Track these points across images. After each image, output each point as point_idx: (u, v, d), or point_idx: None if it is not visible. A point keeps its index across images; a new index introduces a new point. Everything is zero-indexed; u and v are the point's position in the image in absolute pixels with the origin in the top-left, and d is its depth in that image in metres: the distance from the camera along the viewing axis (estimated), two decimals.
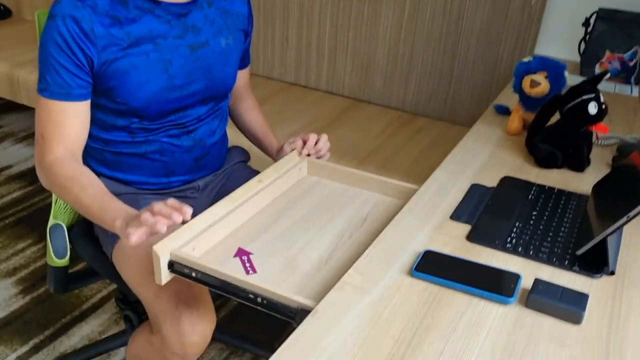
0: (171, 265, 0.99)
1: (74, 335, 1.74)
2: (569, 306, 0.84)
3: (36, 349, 1.68)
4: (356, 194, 1.24)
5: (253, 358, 1.69)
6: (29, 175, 2.51)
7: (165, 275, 0.99)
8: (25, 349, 1.68)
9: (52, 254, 1.34)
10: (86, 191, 1.09)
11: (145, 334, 1.27)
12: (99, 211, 1.06)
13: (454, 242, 1.01)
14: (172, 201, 0.97)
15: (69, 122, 1.15)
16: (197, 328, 1.13)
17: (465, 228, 1.05)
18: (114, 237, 1.23)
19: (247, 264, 1.01)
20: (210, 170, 1.39)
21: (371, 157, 1.93)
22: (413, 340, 0.80)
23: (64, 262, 1.35)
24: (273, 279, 0.98)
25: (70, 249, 1.36)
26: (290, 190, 1.24)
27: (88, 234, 1.37)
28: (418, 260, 0.94)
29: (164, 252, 0.98)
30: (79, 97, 1.15)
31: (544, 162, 1.26)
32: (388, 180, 1.23)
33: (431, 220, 1.07)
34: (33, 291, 1.89)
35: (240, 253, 1.04)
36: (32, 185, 2.43)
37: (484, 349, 0.79)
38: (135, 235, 0.93)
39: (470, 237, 1.02)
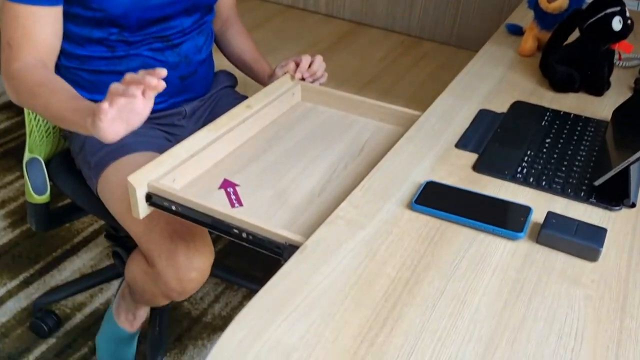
0: (149, 198, 0.91)
1: (65, 269, 1.69)
2: (584, 242, 0.76)
3: (26, 283, 1.64)
4: (354, 122, 1.14)
5: (248, 293, 1.65)
6: (16, 106, 2.41)
7: (143, 209, 0.91)
8: (15, 283, 1.63)
9: (31, 190, 1.26)
10: (57, 94, 0.99)
11: (141, 263, 1.21)
12: (70, 115, 0.95)
13: (459, 172, 0.92)
14: (142, 70, 0.86)
15: (39, 29, 1.04)
16: (194, 263, 1.06)
17: (472, 157, 0.96)
18: (98, 169, 1.15)
19: (233, 197, 0.93)
20: (196, 94, 1.29)
21: (372, 84, 1.81)
22: (411, 278, 0.72)
23: (44, 198, 1.28)
24: (260, 213, 0.90)
25: (51, 184, 1.28)
26: (282, 118, 1.15)
27: (69, 168, 1.28)
28: (419, 192, 0.85)
29: (140, 183, 0.89)
30: (49, 1, 1.04)
31: (560, 84, 1.15)
32: (388, 106, 1.13)
33: (434, 148, 0.98)
34: (22, 225, 1.83)
35: (226, 185, 0.96)
36: (20, 116, 2.34)
37: (489, 288, 0.71)
38: (108, 114, 0.84)
39: (477, 167, 0.93)
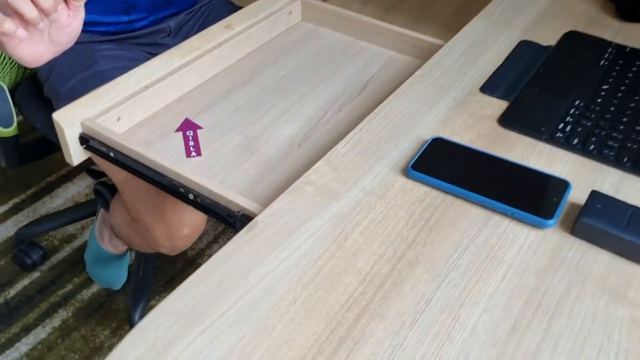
0: (86, 141, 0.73)
1: (58, 196, 1.57)
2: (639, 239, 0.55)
3: (15, 209, 1.53)
4: (362, 50, 0.92)
5: None
6: None
7: (75, 154, 0.74)
8: (3, 209, 1.52)
9: None
10: None
11: (125, 214, 1.06)
12: None
13: (480, 126, 0.70)
14: None
15: None
16: (185, 217, 0.90)
17: (500, 106, 0.73)
18: (68, 101, 0.98)
19: (191, 143, 0.75)
20: (181, 7, 1.08)
21: (400, 5, 1.55)
22: (389, 278, 0.53)
23: (10, 131, 1.11)
24: (218, 168, 0.71)
25: (18, 115, 1.12)
26: (273, 42, 0.93)
27: (37, 96, 1.11)
28: (420, 152, 0.65)
29: (70, 121, 0.71)
30: None
31: (630, 11, 0.89)
32: (406, 32, 0.90)
33: (452, 91, 0.75)
34: None
35: (186, 126, 0.77)
36: None
37: (495, 300, 0.52)
38: (15, 40, 0.65)
39: (505, 120, 0.71)
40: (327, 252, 0.55)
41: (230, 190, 0.64)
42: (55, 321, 1.30)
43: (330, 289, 0.52)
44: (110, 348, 1.24)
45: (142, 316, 1.21)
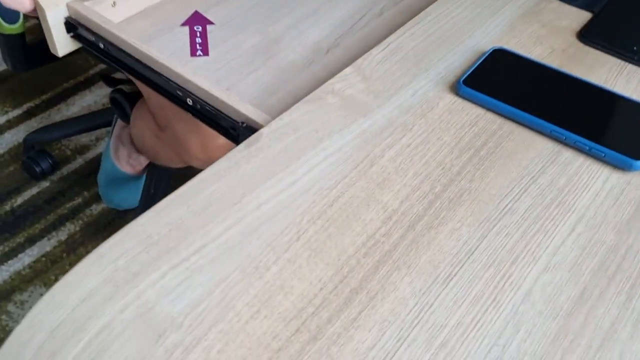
0: (74, 28, 0.61)
1: (74, 104, 1.47)
2: None
3: (29, 114, 1.44)
4: None
5: None
6: None
7: (61, 43, 0.62)
8: (16, 112, 1.44)
9: (0, 17, 0.99)
10: None
11: (150, 124, 0.96)
12: None
13: (554, 39, 0.56)
14: None
15: None
16: None
17: (581, 17, 0.59)
18: None
19: (198, 40, 0.62)
20: None
21: None
22: (423, 218, 0.41)
23: (16, 27, 1.01)
24: (227, 71, 0.59)
25: None
26: None
27: None
28: (476, 65, 0.51)
29: (53, 1, 0.59)
30: None
31: None
32: None
33: None
34: None
35: (194, 21, 0.65)
36: None
37: (559, 257, 0.40)
38: None
39: (586, 34, 0.56)
40: (346, 179, 0.43)
41: (237, 98, 0.52)
42: (62, 234, 1.23)
43: (345, 227, 0.40)
44: None
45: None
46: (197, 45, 0.61)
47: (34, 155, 1.31)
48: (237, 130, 0.51)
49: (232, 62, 0.60)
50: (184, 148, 0.85)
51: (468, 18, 0.58)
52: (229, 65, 0.59)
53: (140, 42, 0.56)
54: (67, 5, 0.60)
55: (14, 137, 1.39)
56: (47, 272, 1.17)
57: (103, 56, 0.60)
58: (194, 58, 0.60)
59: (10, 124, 1.41)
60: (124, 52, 0.57)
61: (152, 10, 0.65)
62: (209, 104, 0.52)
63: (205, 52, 0.61)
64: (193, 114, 0.55)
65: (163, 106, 0.84)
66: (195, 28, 0.63)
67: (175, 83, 0.54)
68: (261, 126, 0.49)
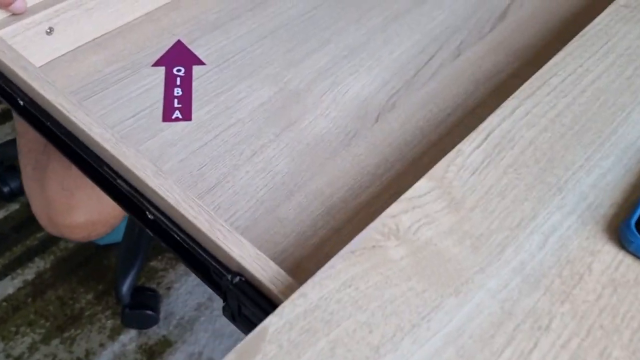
0: None
1: None
2: None
3: (3, 117, 1.22)
4: None
5: None
6: None
7: None
8: None
9: None
10: None
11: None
12: None
13: None
14: None
15: None
16: (82, 197, 0.57)
17: None
18: None
19: (177, 91, 0.40)
20: None
21: None
22: None
23: None
24: (217, 152, 0.36)
25: None
26: None
27: None
28: None
29: None
30: None
31: None
32: None
33: None
34: None
35: (174, 57, 0.42)
36: None
37: None
38: None
39: None
40: None
41: (227, 222, 0.30)
42: (29, 273, 1.02)
43: None
44: (91, 319, 0.96)
45: (131, 287, 0.92)
46: (175, 102, 0.39)
47: (2, 172, 1.09)
48: (224, 282, 0.29)
49: (227, 133, 0.38)
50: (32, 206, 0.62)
51: (620, 86, 0.35)
52: (220, 141, 0.37)
53: (76, 103, 0.34)
54: None
55: None
56: (6, 322, 0.96)
57: (26, 118, 0.38)
58: (169, 124, 0.38)
59: None
60: (52, 118, 0.35)
61: (111, 39, 0.43)
62: (183, 230, 0.30)
63: (187, 115, 0.39)
64: (152, 232, 0.32)
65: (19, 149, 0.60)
66: (174, 70, 0.41)
67: (127, 181, 0.32)
68: (266, 287, 0.27)
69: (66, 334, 0.94)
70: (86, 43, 0.42)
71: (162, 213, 0.31)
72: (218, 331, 0.95)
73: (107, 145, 0.32)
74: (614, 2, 0.42)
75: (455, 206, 0.29)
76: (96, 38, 0.42)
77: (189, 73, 0.41)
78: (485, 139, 0.32)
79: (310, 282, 0.25)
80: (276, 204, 0.34)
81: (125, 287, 0.90)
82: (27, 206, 1.10)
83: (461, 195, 0.29)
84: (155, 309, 0.92)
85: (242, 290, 0.28)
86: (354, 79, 0.41)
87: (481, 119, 0.33)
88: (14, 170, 1.11)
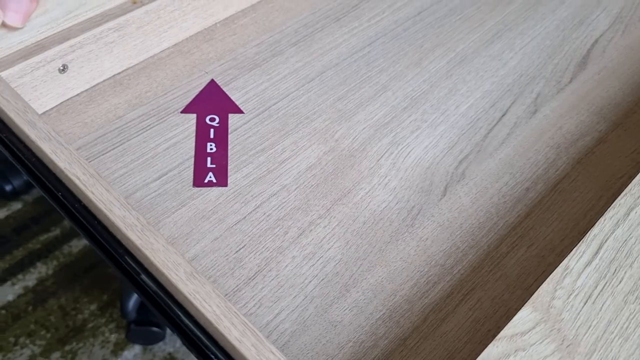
0: None
1: None
2: None
3: None
4: None
5: None
6: None
7: None
8: None
9: None
10: None
11: None
12: None
13: None
14: None
15: None
16: None
17: None
18: None
19: (211, 147, 0.34)
20: None
21: None
22: None
23: None
24: (260, 231, 0.31)
25: None
26: None
27: None
28: None
29: None
30: None
31: None
32: None
33: None
34: None
35: (207, 104, 0.36)
36: None
37: None
38: None
39: None
40: None
41: (271, 328, 0.25)
42: (30, 278, 0.97)
43: None
44: (94, 332, 0.91)
45: (137, 303, 0.86)
46: (208, 161, 0.33)
47: (5, 169, 1.03)
48: None
49: (269, 204, 0.32)
50: None
51: None
52: (261, 215, 0.31)
53: (95, 173, 0.28)
54: None
55: None
56: (5, 332, 0.91)
57: (32, 177, 0.32)
58: (200, 190, 0.32)
59: None
60: (65, 189, 0.29)
61: (133, 76, 0.37)
62: (221, 351, 0.25)
63: (222, 179, 0.33)
64: (184, 341, 0.27)
65: None
66: (207, 119, 0.35)
67: (157, 284, 0.27)
68: None
69: (67, 347, 0.89)
70: (104, 81, 0.36)
71: (196, 323, 0.25)
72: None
73: (131, 234, 0.26)
74: None
75: (568, 350, 0.23)
76: (116, 74, 0.36)
77: (224, 123, 0.35)
78: (597, 252, 0.26)
79: None
80: (328, 302, 0.29)
81: (131, 303, 0.84)
82: (31, 206, 1.04)
83: (574, 333, 0.24)
84: (162, 326, 0.87)
85: None
86: (416, 137, 0.35)
87: (565, 198, 0.27)
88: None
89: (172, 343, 0.91)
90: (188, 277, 0.25)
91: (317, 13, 0.41)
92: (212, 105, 0.36)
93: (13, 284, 0.95)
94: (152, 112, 0.35)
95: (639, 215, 0.27)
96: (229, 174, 0.33)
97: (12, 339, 0.89)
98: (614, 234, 0.27)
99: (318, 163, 0.34)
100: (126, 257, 0.27)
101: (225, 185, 0.32)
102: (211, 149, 0.34)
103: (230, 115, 0.35)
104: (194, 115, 0.35)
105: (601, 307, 0.25)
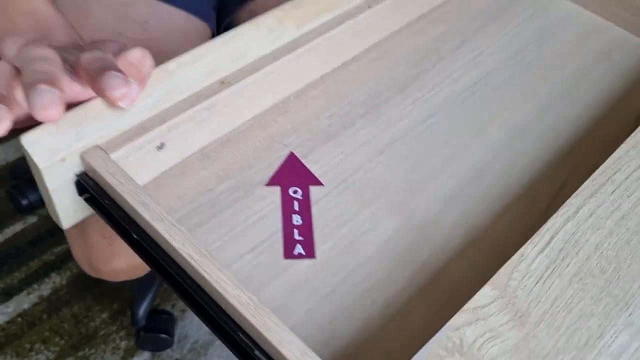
0: (85, 189, 0.36)
1: None
2: None
3: (20, 128, 1.18)
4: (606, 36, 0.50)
5: None
6: None
7: (65, 211, 0.36)
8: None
9: None
10: None
11: None
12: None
13: None
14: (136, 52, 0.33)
15: None
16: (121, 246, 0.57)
17: None
18: None
19: (297, 219, 0.37)
20: None
21: None
22: None
23: None
24: (349, 305, 0.33)
25: None
26: (455, 4, 0.52)
27: None
28: None
29: (53, 151, 0.34)
30: None
31: None
32: None
33: None
34: None
35: (288, 176, 0.39)
36: None
37: None
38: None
39: None
40: None
41: None
42: (45, 288, 1.00)
43: None
44: (105, 339, 0.94)
45: (148, 310, 0.90)
46: (295, 233, 0.36)
47: (21, 184, 1.07)
48: None
49: (356, 276, 0.34)
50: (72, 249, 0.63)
51: None
52: (349, 286, 0.34)
53: (207, 254, 0.30)
54: (82, 158, 0.34)
55: (3, 154, 1.14)
56: (21, 339, 0.94)
57: (139, 251, 0.34)
58: (291, 262, 0.35)
59: (1, 138, 1.16)
60: (176, 265, 0.32)
61: (219, 149, 0.39)
62: None
63: (310, 251, 0.35)
64: None
65: None
66: (291, 192, 0.38)
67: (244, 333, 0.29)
68: None
69: (80, 353, 0.93)
70: (193, 154, 0.38)
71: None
72: (231, 357, 0.94)
73: (246, 313, 0.29)
74: None
75: (521, 320, 0.30)
76: (204, 147, 0.39)
77: (306, 196, 0.38)
78: (549, 242, 0.32)
79: None
80: None
81: (142, 310, 0.89)
82: (45, 219, 1.07)
83: (526, 307, 0.30)
84: (170, 333, 0.92)
85: None
86: (485, 207, 0.38)
87: None
88: (33, 182, 1.07)
89: (179, 350, 0.94)
90: (302, 354, 0.28)
91: (381, 84, 0.44)
92: (293, 177, 0.38)
93: (29, 294, 0.99)
94: (239, 185, 0.38)
95: (585, 213, 0.34)
96: (315, 245, 0.35)
97: (27, 345, 0.93)
98: (564, 228, 0.33)
99: (396, 235, 0.36)
100: (239, 333, 0.30)
101: (313, 256, 0.35)
102: (297, 221, 0.36)
103: (311, 188, 0.38)
104: (278, 188, 0.38)
105: (550, 286, 0.30)
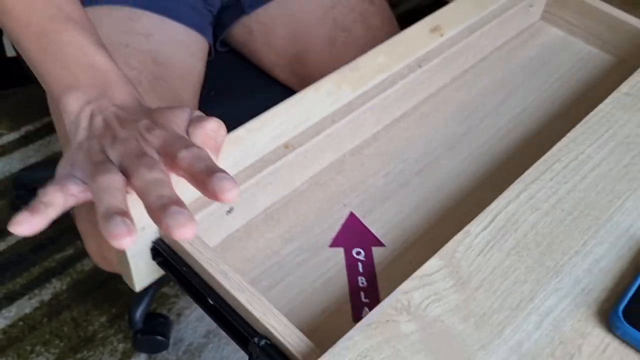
0: (159, 254, 0.36)
1: None
2: None
3: (27, 139, 1.17)
4: None
5: None
6: None
7: (140, 274, 0.37)
8: (13, 136, 1.19)
9: None
10: (35, 12, 0.43)
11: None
12: (43, 56, 0.41)
13: None
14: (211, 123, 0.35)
15: None
16: None
17: None
18: None
19: (361, 281, 0.38)
20: None
21: None
22: None
23: None
24: None
25: None
26: (505, 58, 0.53)
27: None
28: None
29: (137, 217, 0.35)
30: None
31: None
32: None
33: None
34: None
35: (350, 237, 0.40)
36: None
37: None
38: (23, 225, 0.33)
39: None
40: None
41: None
42: (46, 294, 1.02)
43: None
44: (104, 342, 0.96)
45: (144, 313, 0.91)
46: (362, 296, 0.37)
47: (24, 195, 1.09)
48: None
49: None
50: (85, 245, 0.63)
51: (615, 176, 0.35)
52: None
53: (288, 323, 0.31)
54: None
55: (7, 166, 1.15)
56: (22, 341, 0.95)
57: (211, 312, 0.35)
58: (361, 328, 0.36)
59: (4, 150, 1.17)
60: (253, 330, 0.33)
61: (282, 210, 0.40)
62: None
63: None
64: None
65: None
66: (354, 253, 0.39)
67: None
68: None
69: (79, 355, 0.95)
70: (257, 216, 0.39)
71: None
72: (225, 358, 0.96)
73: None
74: (617, 89, 0.44)
75: (462, 285, 0.33)
76: (267, 209, 0.40)
77: (369, 257, 0.39)
78: (492, 221, 0.36)
79: (329, 353, 0.30)
80: None
81: (139, 313, 0.90)
82: (47, 227, 1.08)
83: (468, 274, 0.34)
84: (166, 335, 0.94)
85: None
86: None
87: None
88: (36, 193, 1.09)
89: (175, 352, 0.97)
90: None
91: (431, 142, 0.45)
92: (355, 238, 0.39)
93: (30, 298, 1.02)
94: (304, 247, 0.39)
95: (526, 196, 0.37)
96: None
97: (28, 347, 0.96)
98: (506, 209, 0.36)
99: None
100: None
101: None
102: (362, 283, 0.37)
103: (373, 249, 0.39)
104: (341, 249, 0.39)
105: (490, 258, 0.34)
